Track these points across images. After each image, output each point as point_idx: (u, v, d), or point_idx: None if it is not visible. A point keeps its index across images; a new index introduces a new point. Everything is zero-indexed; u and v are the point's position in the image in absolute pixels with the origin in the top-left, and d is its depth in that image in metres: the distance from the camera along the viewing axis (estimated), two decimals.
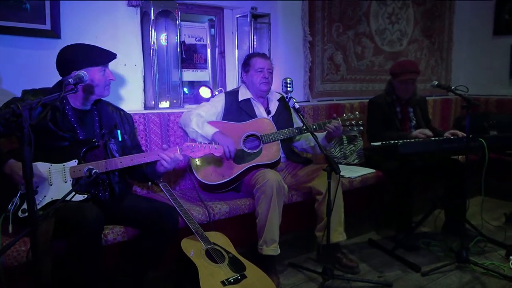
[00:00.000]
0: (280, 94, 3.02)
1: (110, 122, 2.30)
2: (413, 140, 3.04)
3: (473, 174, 3.07)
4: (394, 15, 4.52)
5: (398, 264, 2.89)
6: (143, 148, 2.78)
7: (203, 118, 2.75)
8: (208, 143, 2.35)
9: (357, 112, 2.82)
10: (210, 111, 2.83)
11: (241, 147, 2.75)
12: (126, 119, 2.41)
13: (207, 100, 3.24)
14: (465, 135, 3.11)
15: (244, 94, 2.92)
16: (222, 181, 2.70)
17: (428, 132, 3.21)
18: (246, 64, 2.94)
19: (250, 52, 3.44)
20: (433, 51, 5.01)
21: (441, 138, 3.09)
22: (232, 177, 2.70)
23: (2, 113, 1.39)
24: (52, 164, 2.06)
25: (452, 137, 3.15)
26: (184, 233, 2.34)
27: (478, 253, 3.02)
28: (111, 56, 2.25)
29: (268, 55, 3.33)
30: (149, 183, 2.71)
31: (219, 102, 2.89)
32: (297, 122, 3.00)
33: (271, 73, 2.91)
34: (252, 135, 2.78)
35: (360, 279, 2.66)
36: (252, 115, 2.87)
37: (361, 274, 2.74)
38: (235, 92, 2.95)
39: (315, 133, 2.63)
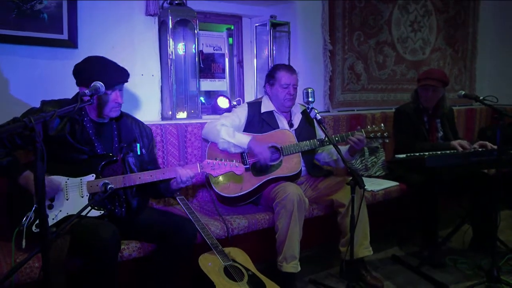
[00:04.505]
0: (303, 106, 2.93)
1: (129, 136, 2.24)
2: (439, 152, 2.91)
3: (501, 188, 2.92)
4: (417, 23, 4.41)
5: (425, 283, 2.76)
6: (160, 160, 2.73)
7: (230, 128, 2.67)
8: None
9: (382, 124, 2.70)
10: (234, 122, 2.74)
11: None
12: (145, 132, 2.35)
13: (225, 110, 3.18)
14: (494, 146, 2.99)
15: (267, 106, 2.83)
16: (240, 194, 2.61)
17: (466, 144, 3.04)
18: (271, 77, 2.82)
19: (269, 61, 3.36)
20: (457, 59, 4.86)
21: (470, 151, 2.95)
22: (250, 189, 2.61)
23: (15, 127, 1.33)
24: (69, 178, 2.02)
25: (480, 149, 3.01)
26: (201, 249, 2.25)
27: (509, 271, 2.85)
28: (121, 79, 2.15)
29: (287, 64, 3.24)
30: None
31: (243, 113, 2.80)
32: (319, 135, 2.90)
33: (296, 88, 2.80)
34: (272, 146, 2.69)
35: None
36: (274, 128, 2.77)
37: None
38: (258, 103, 2.85)
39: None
